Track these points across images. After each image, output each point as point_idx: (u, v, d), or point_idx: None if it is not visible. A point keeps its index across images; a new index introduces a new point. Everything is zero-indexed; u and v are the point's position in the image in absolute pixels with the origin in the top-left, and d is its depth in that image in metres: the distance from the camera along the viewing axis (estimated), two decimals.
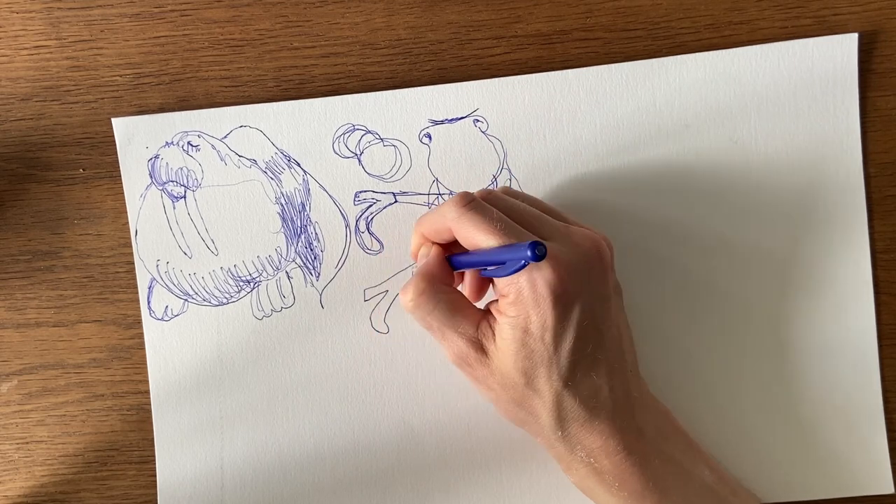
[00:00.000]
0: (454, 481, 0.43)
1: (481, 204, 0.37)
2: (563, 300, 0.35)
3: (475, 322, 0.38)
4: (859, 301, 0.43)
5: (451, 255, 0.39)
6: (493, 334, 0.37)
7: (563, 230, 0.37)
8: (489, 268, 0.37)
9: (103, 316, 0.44)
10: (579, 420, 0.37)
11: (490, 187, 0.39)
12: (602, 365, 0.37)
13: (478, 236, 0.36)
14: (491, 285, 0.40)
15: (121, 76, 0.43)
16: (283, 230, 0.43)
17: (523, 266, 0.34)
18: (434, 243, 0.39)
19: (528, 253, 0.32)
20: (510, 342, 0.36)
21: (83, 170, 0.44)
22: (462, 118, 0.43)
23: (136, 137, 0.43)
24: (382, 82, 0.43)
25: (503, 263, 0.35)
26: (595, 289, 0.37)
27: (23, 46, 0.43)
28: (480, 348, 0.37)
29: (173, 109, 0.43)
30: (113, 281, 0.44)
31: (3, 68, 0.43)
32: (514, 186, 0.43)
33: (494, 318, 0.37)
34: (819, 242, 0.43)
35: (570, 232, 0.37)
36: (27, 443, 0.44)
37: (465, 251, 0.38)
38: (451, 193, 0.43)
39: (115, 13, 0.43)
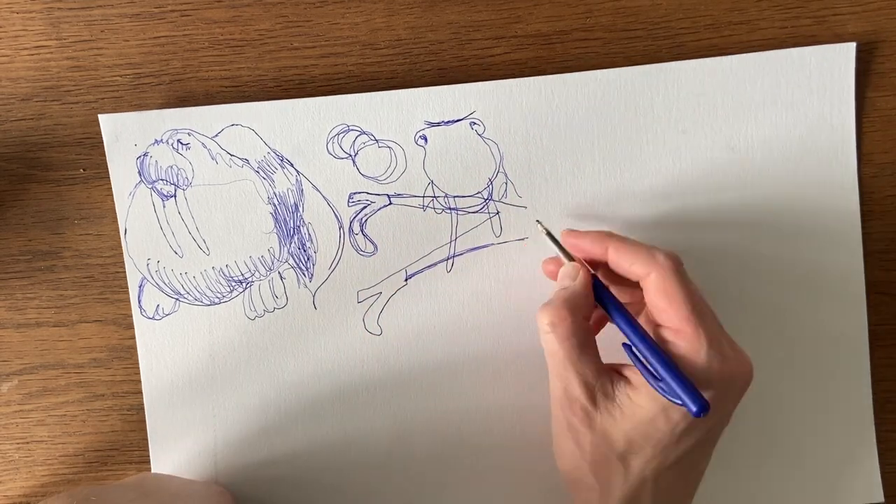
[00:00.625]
0: (445, 482, 0.43)
1: (687, 275, 0.37)
2: (717, 402, 0.35)
3: (597, 371, 0.37)
4: (851, 307, 0.43)
5: (604, 292, 0.38)
6: (614, 391, 0.37)
7: (729, 338, 0.37)
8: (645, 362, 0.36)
9: (103, 316, 0.44)
10: None
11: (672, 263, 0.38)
12: (693, 480, 0.38)
13: (673, 300, 0.36)
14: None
15: (121, 76, 0.43)
16: (275, 231, 0.43)
17: (676, 401, 0.34)
18: (583, 266, 0.39)
19: (693, 408, 0.33)
20: (640, 409, 0.36)
21: (83, 170, 0.44)
22: (459, 120, 0.43)
23: (123, 134, 0.43)
24: (382, 82, 0.43)
25: (654, 370, 0.35)
26: (730, 406, 0.37)
27: (23, 46, 0.43)
28: (592, 398, 0.37)
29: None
30: (113, 281, 0.44)
31: (3, 68, 0.43)
32: (511, 190, 0.43)
33: (626, 380, 0.37)
34: (813, 249, 0.43)
35: (735, 345, 0.37)
36: (27, 443, 0.44)
37: (610, 275, 0.38)
38: (446, 196, 0.43)
39: (115, 13, 0.43)
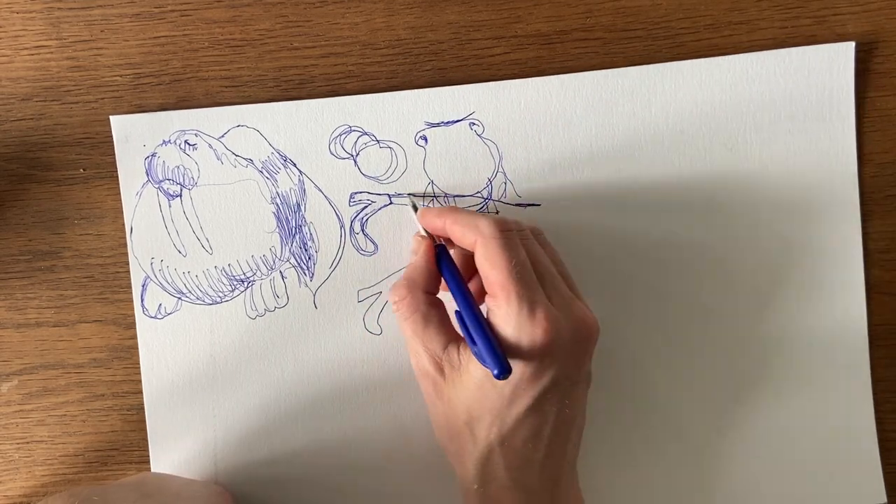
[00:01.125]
0: (445, 480, 0.43)
1: (514, 240, 0.37)
2: (538, 364, 0.35)
3: (445, 342, 0.38)
4: (851, 307, 0.43)
5: (442, 263, 0.39)
6: (460, 362, 0.37)
7: (567, 299, 0.37)
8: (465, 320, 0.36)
9: (103, 316, 0.44)
10: (499, 482, 0.37)
11: (516, 220, 0.39)
12: (542, 441, 0.37)
13: (492, 268, 0.36)
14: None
15: (121, 76, 0.43)
16: (277, 230, 0.43)
17: (485, 364, 0.35)
18: (429, 238, 0.40)
19: (495, 371, 0.34)
20: (472, 377, 0.36)
21: (83, 170, 0.44)
22: (458, 121, 0.43)
23: (133, 135, 0.43)
24: (382, 82, 0.43)
25: (470, 330, 0.35)
26: (571, 367, 0.37)
27: (23, 46, 0.43)
28: (440, 369, 0.38)
29: (173, 109, 0.43)
30: (113, 281, 0.44)
31: (3, 68, 0.43)
32: (509, 190, 0.43)
33: (468, 349, 0.37)
34: (813, 249, 0.43)
35: (573, 305, 0.37)
36: (27, 443, 0.44)
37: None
38: (445, 196, 0.43)
39: (115, 13, 0.43)
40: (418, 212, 0.41)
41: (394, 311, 0.38)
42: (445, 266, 0.39)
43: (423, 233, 0.41)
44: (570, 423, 0.38)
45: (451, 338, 0.38)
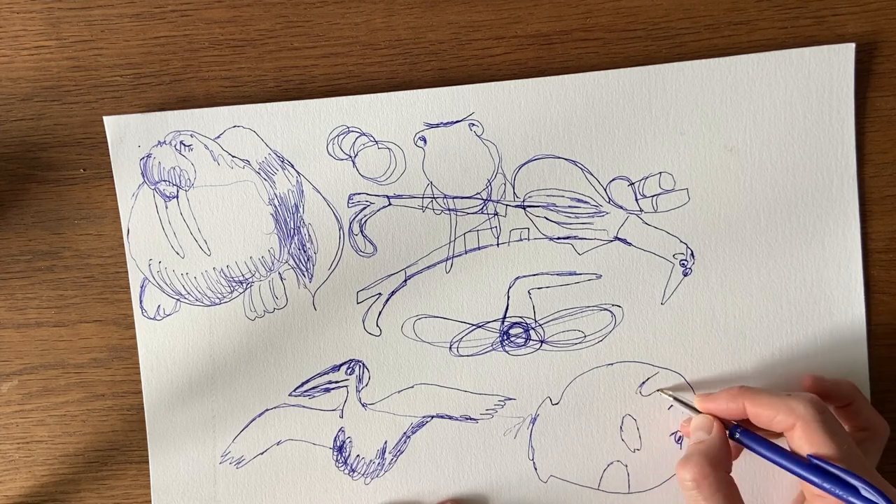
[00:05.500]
0: (444, 480, 0.43)
1: (835, 422, 0.37)
2: None
3: None
4: (851, 307, 0.43)
5: (741, 431, 0.39)
6: None
7: (881, 481, 0.37)
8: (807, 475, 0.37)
9: (104, 316, 0.44)
10: None
11: (814, 397, 0.38)
12: None
13: (826, 448, 0.36)
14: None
15: (121, 76, 0.43)
16: (276, 231, 0.43)
17: None
18: (720, 421, 0.39)
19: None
20: None
21: (83, 170, 0.44)
22: (457, 122, 0.43)
23: (127, 136, 0.43)
24: (382, 82, 0.43)
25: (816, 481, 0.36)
26: None
27: (23, 46, 0.43)
28: None
29: (173, 110, 0.43)
30: (113, 281, 0.44)
31: (3, 68, 0.43)
32: (509, 191, 0.43)
33: None
34: (813, 249, 0.43)
35: (887, 486, 0.37)
36: (27, 442, 0.44)
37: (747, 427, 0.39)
38: (445, 197, 0.43)
39: (115, 13, 0.43)
40: (696, 399, 0.41)
41: (690, 489, 0.37)
42: (760, 441, 0.38)
43: (691, 412, 0.41)
44: None
45: None
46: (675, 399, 0.42)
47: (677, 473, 0.38)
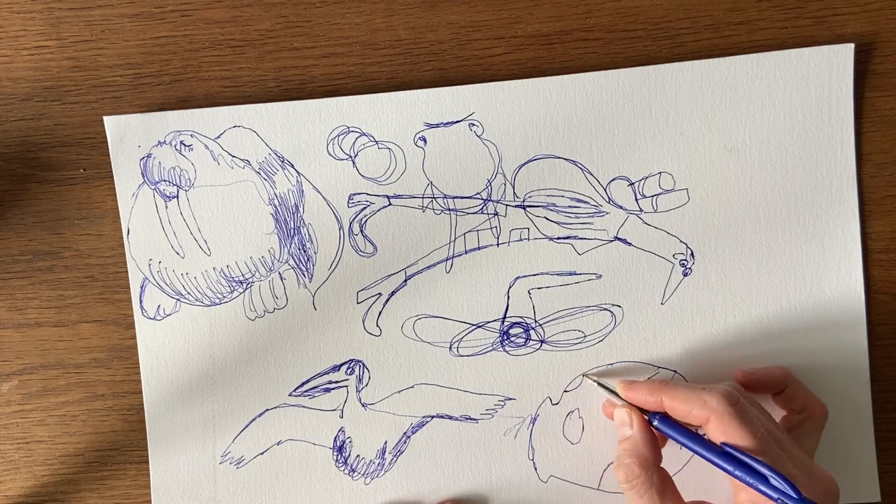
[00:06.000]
0: (444, 480, 0.44)
1: (749, 411, 0.37)
2: None
3: None
4: (851, 307, 0.43)
5: (659, 419, 0.39)
6: None
7: (805, 461, 0.38)
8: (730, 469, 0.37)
9: (104, 316, 0.44)
10: None
11: (733, 384, 0.40)
12: None
13: (739, 438, 0.36)
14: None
15: (121, 76, 0.43)
16: (276, 231, 0.43)
17: (779, 500, 0.35)
18: (638, 412, 0.40)
19: (794, 493, 0.35)
20: None
21: (83, 170, 0.44)
22: (458, 122, 0.43)
23: (127, 136, 0.43)
24: (383, 83, 0.43)
25: (734, 472, 0.36)
26: None
27: (23, 46, 0.43)
28: None
29: (173, 110, 0.43)
30: (113, 281, 0.44)
31: (3, 68, 0.43)
32: (509, 191, 0.43)
33: None
34: (813, 249, 0.43)
35: (812, 467, 0.37)
36: (27, 442, 0.44)
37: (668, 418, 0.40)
38: (445, 197, 0.43)
39: (115, 13, 0.43)
40: (619, 386, 0.41)
41: (626, 490, 0.38)
42: (678, 430, 0.39)
43: (616, 400, 0.41)
44: None
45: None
46: (599, 384, 0.42)
47: (615, 476, 0.39)
